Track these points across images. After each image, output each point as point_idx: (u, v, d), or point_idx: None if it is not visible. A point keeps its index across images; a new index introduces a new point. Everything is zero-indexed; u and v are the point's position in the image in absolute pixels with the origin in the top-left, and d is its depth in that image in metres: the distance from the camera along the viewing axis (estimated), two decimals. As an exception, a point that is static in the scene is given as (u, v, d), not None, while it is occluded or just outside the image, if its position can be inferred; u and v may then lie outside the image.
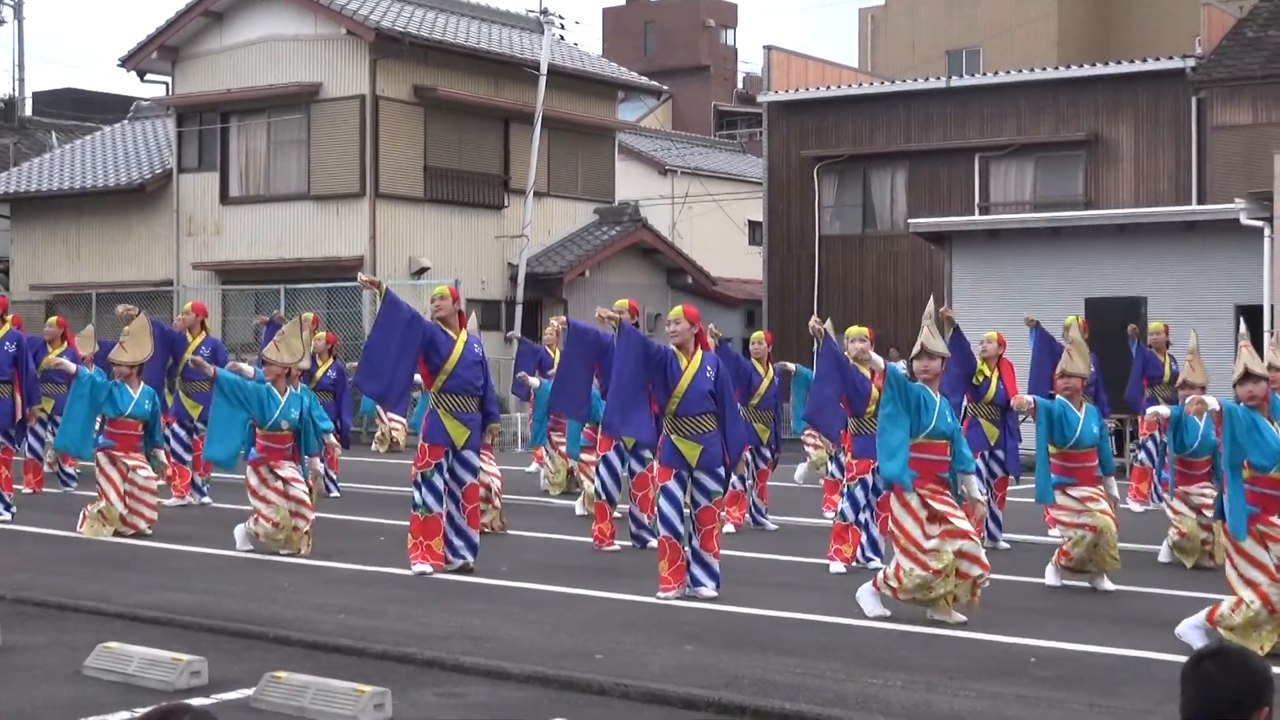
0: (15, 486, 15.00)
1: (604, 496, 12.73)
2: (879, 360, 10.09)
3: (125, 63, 30.89)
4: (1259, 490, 8.36)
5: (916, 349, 9.68)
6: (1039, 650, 8.36)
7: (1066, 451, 10.76)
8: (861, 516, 11.51)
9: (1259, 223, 21.26)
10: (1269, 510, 8.35)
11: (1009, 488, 13.27)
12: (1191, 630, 8.40)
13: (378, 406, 23.51)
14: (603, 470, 12.82)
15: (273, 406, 12.05)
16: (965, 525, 9.21)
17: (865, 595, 9.44)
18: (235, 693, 7.29)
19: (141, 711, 6.76)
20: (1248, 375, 8.52)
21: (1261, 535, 8.32)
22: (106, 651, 7.74)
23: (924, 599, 9.17)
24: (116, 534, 13.04)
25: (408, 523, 11.09)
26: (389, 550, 11.87)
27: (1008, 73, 29.77)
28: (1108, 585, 10.60)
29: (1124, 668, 7.92)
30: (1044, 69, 29.61)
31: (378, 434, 24.29)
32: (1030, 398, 11.23)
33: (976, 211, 28.10)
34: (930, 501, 9.21)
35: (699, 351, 10.16)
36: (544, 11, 32.25)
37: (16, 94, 41.88)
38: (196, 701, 7.07)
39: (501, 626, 8.89)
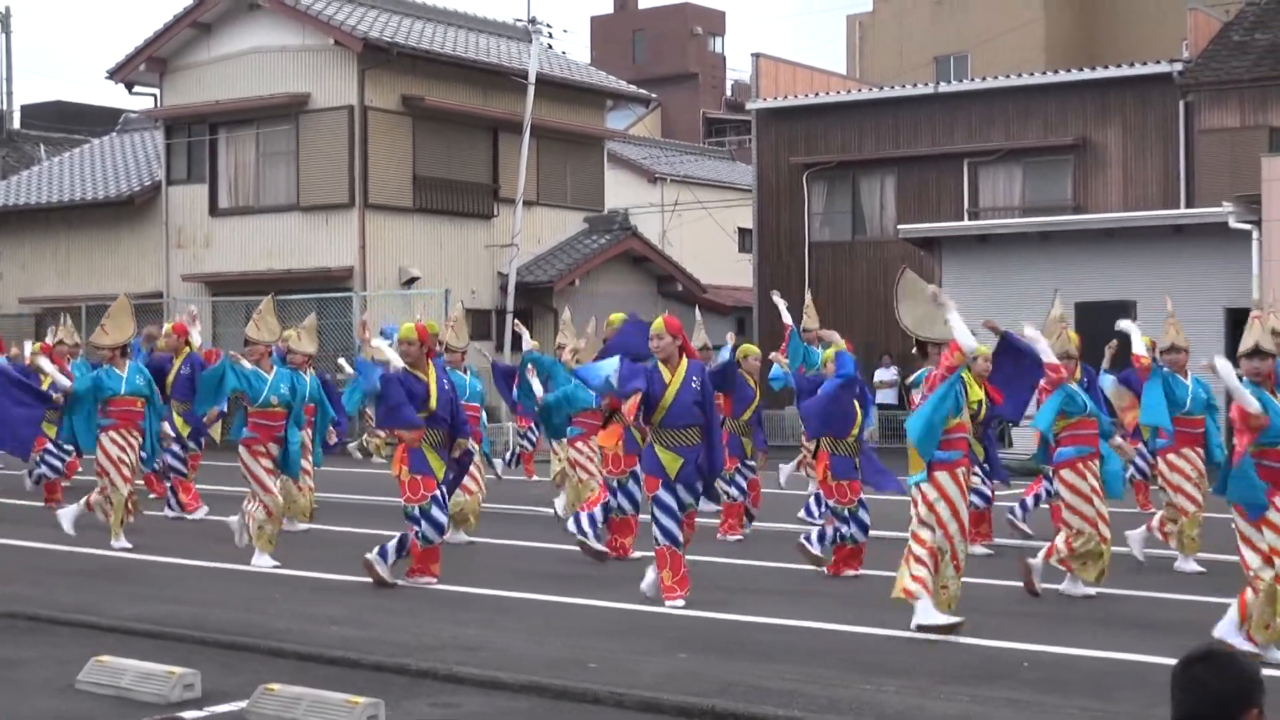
0: (9, 500, 14.95)
1: (627, 513, 12.44)
2: (971, 341, 9.19)
3: (113, 75, 30.88)
4: (1267, 465, 8.25)
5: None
6: (1031, 654, 8.38)
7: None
8: (848, 530, 11.46)
9: (1247, 226, 21.35)
10: (1278, 485, 8.24)
11: (997, 493, 13.30)
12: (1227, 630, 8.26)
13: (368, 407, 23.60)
14: (622, 497, 12.45)
15: (260, 384, 12.20)
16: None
17: (924, 609, 8.90)
18: (229, 705, 7.27)
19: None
20: (1255, 351, 8.34)
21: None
22: (99, 665, 7.73)
23: (940, 584, 9.01)
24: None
25: (396, 534, 11.07)
26: (381, 561, 11.84)
27: (995, 78, 29.85)
28: (1087, 590, 10.56)
29: (1115, 671, 7.93)
30: (1031, 74, 29.66)
31: (366, 440, 24.21)
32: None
33: (966, 217, 28.15)
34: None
35: (684, 361, 10.06)
36: (532, 20, 32.26)
37: (4, 107, 41.80)
38: (190, 715, 7.08)
39: (495, 636, 8.89)
